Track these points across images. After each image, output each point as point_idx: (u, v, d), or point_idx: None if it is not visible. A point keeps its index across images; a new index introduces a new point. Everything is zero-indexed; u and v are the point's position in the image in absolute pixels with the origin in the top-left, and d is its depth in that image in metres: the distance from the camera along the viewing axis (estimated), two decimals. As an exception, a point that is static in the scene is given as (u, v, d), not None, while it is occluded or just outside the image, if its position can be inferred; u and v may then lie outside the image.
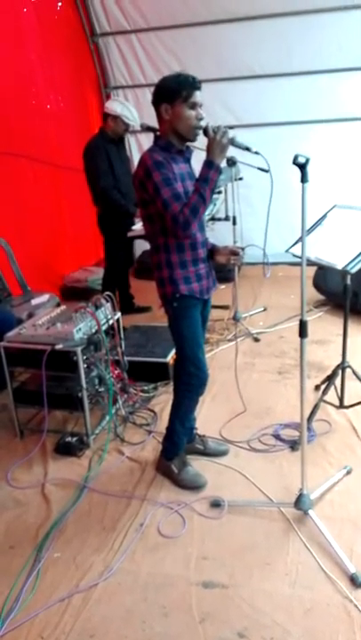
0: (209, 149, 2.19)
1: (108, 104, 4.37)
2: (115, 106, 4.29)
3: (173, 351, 2.56)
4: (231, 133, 2.18)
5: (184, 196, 2.19)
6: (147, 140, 6.03)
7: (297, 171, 1.92)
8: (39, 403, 2.90)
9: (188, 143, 2.33)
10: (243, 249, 2.53)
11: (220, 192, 4.56)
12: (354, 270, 2.58)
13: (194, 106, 2.20)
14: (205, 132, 2.20)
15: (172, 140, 2.27)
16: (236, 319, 4.43)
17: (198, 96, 2.20)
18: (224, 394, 3.37)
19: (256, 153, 2.25)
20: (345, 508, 2.36)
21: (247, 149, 2.25)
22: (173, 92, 2.18)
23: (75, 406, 2.91)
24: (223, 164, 2.25)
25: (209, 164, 2.18)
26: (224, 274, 4.59)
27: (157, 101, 2.23)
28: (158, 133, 2.33)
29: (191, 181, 2.32)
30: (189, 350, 2.42)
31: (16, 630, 1.88)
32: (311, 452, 2.64)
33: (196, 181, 2.20)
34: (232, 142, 2.19)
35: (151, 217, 2.28)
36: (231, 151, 2.25)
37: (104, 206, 4.42)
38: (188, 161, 2.38)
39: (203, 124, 2.22)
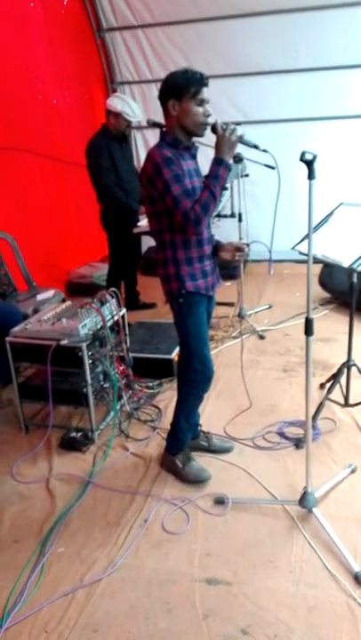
0: (218, 147, 2.18)
1: (108, 101, 4.31)
2: (115, 102, 4.24)
3: (178, 348, 2.56)
4: (240, 131, 2.17)
5: (193, 193, 2.18)
6: (153, 136, 6.01)
7: (303, 167, 1.91)
8: (44, 398, 2.91)
9: (195, 139, 2.32)
10: (247, 245, 2.52)
11: (226, 188, 4.53)
12: (360, 268, 2.57)
13: (201, 102, 2.19)
14: (214, 130, 2.19)
15: (179, 135, 2.26)
16: (241, 316, 4.43)
17: (206, 92, 2.19)
18: (229, 391, 3.37)
19: (264, 151, 2.23)
20: (349, 506, 2.36)
21: (255, 147, 2.23)
22: (181, 89, 2.17)
23: (80, 402, 2.92)
24: (230, 160, 2.23)
25: (218, 162, 2.18)
26: (229, 271, 4.56)
27: (164, 97, 2.22)
28: (165, 129, 2.32)
29: (198, 178, 2.31)
30: (195, 346, 2.42)
31: (20, 624, 1.89)
32: (316, 450, 2.63)
33: (206, 178, 2.19)
34: (241, 140, 2.18)
35: (158, 213, 2.27)
36: (238, 147, 2.23)
37: (107, 204, 4.41)
38: (194, 157, 2.37)
39: (210, 120, 2.21)
